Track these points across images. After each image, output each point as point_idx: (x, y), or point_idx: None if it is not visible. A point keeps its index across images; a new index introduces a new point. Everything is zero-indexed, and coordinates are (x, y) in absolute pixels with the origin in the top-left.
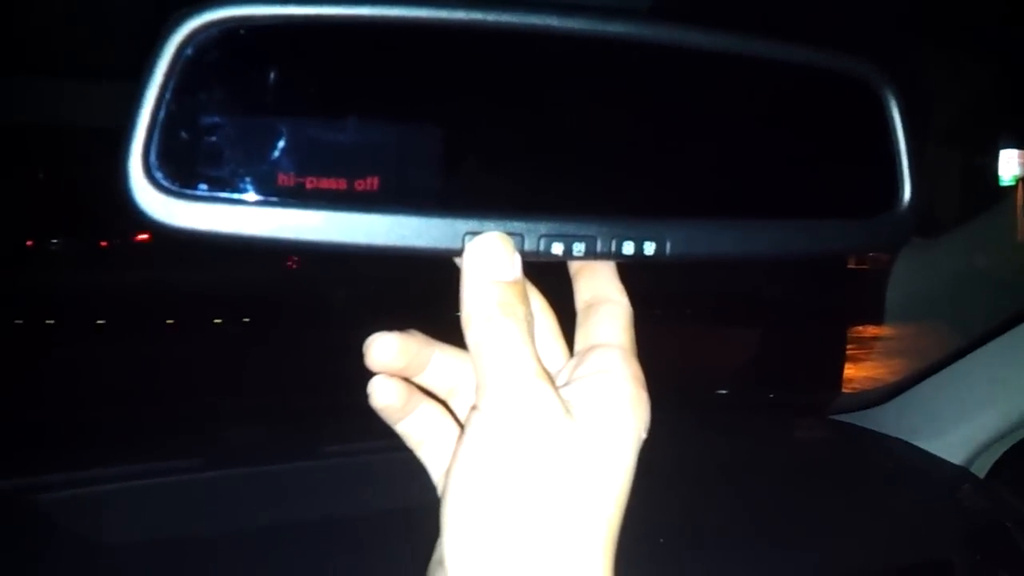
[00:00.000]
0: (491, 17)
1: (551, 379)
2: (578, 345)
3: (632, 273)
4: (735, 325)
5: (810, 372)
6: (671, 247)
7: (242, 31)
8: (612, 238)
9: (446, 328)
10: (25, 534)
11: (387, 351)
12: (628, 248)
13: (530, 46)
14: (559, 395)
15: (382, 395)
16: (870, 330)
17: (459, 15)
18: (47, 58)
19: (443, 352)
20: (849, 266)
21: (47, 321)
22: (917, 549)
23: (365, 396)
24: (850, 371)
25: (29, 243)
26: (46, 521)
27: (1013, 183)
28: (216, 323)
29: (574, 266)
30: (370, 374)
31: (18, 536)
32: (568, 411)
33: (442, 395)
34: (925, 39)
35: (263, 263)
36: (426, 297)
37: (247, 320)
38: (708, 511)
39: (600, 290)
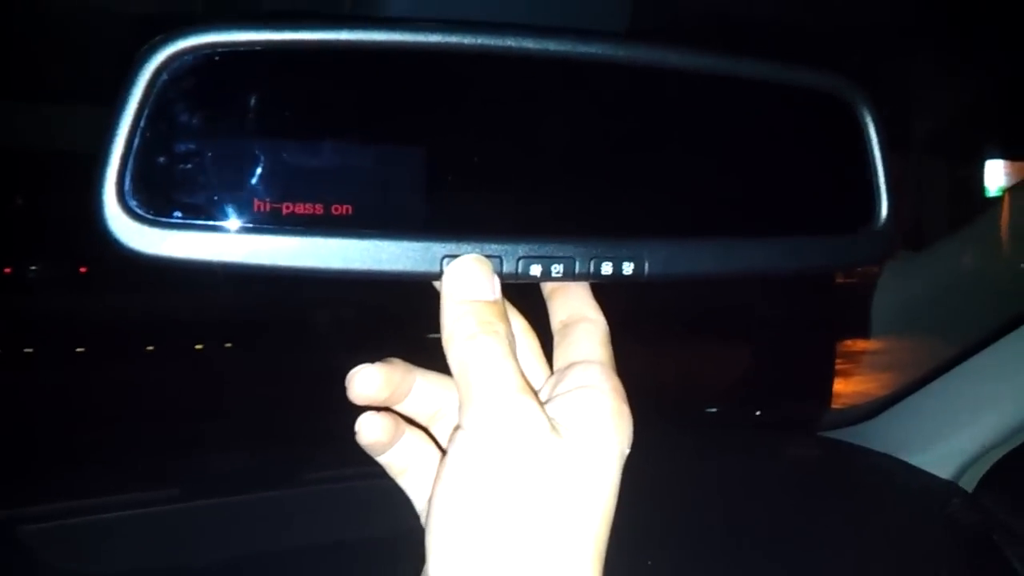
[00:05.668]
0: (467, 40)
1: (536, 395)
2: (557, 364)
3: (617, 291)
4: (723, 342)
5: (799, 388)
6: (649, 267)
7: (216, 57)
8: (590, 259)
9: (426, 350)
10: (5, 566)
11: (370, 383)
12: (606, 268)
13: (506, 69)
14: (544, 411)
15: (369, 432)
16: (858, 344)
17: (435, 38)
18: (24, 83)
19: (424, 378)
20: (837, 280)
21: (26, 349)
22: (906, 564)
23: (347, 422)
24: (839, 386)
25: (7, 270)
26: (27, 553)
27: (999, 194)
28: (197, 349)
29: (548, 287)
30: (352, 402)
31: None
32: (554, 427)
33: (423, 421)
34: (912, 51)
35: (245, 288)
36: (404, 319)
37: (229, 345)
38: (697, 530)
39: (575, 309)
